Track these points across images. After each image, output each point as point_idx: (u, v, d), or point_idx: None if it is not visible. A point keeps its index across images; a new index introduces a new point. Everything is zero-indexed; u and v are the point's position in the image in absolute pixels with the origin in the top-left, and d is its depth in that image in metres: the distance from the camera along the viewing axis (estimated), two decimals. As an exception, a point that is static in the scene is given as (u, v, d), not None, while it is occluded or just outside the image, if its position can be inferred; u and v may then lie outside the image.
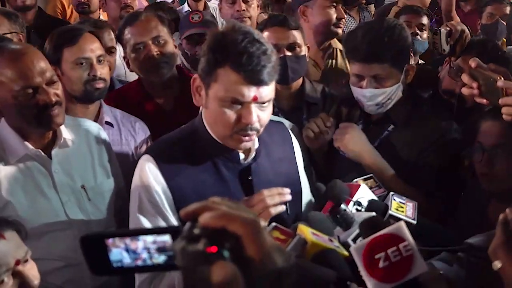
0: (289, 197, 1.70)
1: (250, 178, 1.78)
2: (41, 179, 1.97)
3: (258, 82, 1.59)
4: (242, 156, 1.77)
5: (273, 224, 1.39)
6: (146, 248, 0.75)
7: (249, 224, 0.73)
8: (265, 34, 2.48)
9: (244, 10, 3.25)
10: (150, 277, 1.70)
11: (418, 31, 3.25)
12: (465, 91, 1.71)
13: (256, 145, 1.80)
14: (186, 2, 4.63)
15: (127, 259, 0.76)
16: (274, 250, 0.74)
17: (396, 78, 2.17)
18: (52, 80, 1.94)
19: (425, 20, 3.34)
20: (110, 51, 2.79)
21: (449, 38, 2.45)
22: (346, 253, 1.28)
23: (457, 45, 2.44)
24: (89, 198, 2.04)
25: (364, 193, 1.61)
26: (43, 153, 1.98)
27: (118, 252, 0.76)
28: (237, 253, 0.71)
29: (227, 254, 0.71)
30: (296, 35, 2.48)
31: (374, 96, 2.16)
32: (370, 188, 1.70)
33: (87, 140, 2.13)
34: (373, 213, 1.47)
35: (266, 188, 1.70)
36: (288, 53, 2.43)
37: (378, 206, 1.53)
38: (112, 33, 2.87)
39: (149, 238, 0.75)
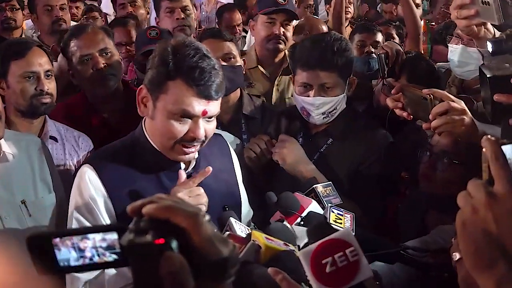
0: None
1: None
2: (-21, 194, 1.91)
3: (209, 96, 1.64)
4: (182, 166, 1.79)
5: (227, 232, 1.41)
6: (94, 246, 0.76)
7: (191, 216, 0.76)
8: None
9: (183, 18, 3.24)
10: None
11: (373, 49, 3.32)
12: (398, 112, 1.84)
13: (196, 155, 1.81)
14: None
15: (74, 258, 0.76)
16: (218, 240, 0.78)
17: (342, 88, 2.26)
18: None
19: (379, 37, 3.38)
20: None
21: (387, 61, 2.52)
22: None
23: (395, 67, 2.52)
24: (29, 213, 2.00)
25: (314, 209, 1.64)
26: (-20, 168, 1.92)
27: (66, 251, 0.76)
28: (183, 244, 0.74)
29: (175, 245, 0.73)
30: (231, 46, 2.52)
31: (323, 104, 2.22)
32: (328, 196, 1.74)
33: (28, 154, 2.08)
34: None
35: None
36: (224, 63, 2.45)
37: (317, 218, 1.57)
38: None
39: (98, 237, 0.76)
